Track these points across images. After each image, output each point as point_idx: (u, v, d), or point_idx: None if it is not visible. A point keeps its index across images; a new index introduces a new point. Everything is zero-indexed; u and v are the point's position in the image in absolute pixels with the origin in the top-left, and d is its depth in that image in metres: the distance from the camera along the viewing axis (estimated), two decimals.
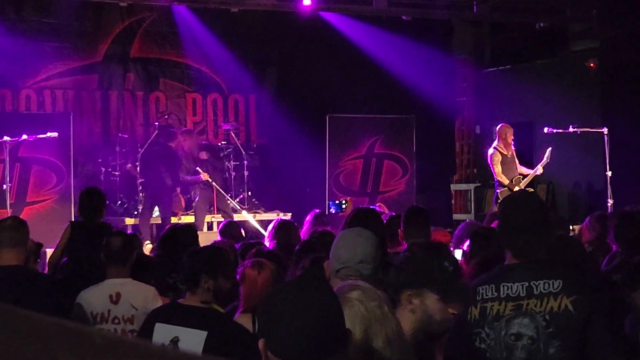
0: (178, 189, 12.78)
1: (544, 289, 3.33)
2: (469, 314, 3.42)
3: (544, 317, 3.30)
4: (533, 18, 14.52)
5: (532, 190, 12.13)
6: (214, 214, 12.63)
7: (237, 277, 4.66)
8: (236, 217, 12.12)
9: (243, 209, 12.96)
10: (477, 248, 5.46)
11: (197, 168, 12.52)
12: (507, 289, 3.38)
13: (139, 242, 6.66)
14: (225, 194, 12.61)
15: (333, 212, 8.39)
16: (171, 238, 6.39)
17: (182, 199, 12.92)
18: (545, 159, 11.85)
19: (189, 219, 12.22)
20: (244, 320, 4.43)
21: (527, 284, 3.36)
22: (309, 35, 14.92)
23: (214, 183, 12.42)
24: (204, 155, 12.86)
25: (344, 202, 8.54)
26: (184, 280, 4.36)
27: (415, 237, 5.94)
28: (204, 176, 12.41)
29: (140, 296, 5.29)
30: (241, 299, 4.60)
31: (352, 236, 3.79)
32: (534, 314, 3.32)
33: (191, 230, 6.68)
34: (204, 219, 12.59)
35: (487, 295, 3.40)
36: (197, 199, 12.74)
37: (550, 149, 11.97)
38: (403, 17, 13.93)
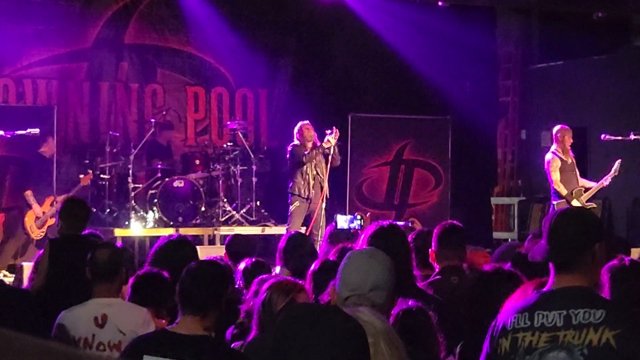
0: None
1: (583, 319, 3.33)
2: (498, 346, 3.45)
3: (581, 352, 3.31)
4: (590, 7, 14.52)
5: (593, 206, 12.13)
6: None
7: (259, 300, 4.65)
8: None
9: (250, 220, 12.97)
10: None
11: None
12: (542, 318, 3.39)
13: (129, 256, 6.63)
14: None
15: (345, 228, 8.26)
16: (167, 252, 6.22)
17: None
18: (613, 171, 11.89)
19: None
20: None
21: (565, 312, 3.37)
22: (331, 21, 14.96)
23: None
24: None
25: (358, 217, 8.40)
26: (190, 304, 4.30)
27: (449, 259, 5.95)
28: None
29: (130, 319, 5.25)
30: (258, 323, 4.58)
31: (363, 258, 3.77)
32: (572, 348, 3.33)
33: (189, 243, 6.60)
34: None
35: (519, 324, 3.42)
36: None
37: (619, 160, 11.98)
38: (439, 2, 13.95)
